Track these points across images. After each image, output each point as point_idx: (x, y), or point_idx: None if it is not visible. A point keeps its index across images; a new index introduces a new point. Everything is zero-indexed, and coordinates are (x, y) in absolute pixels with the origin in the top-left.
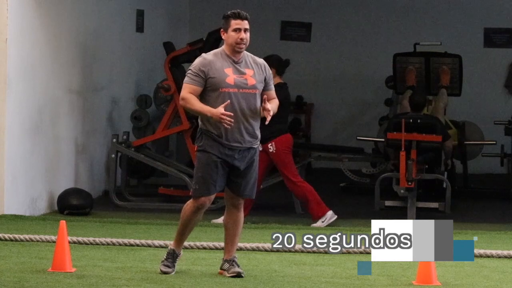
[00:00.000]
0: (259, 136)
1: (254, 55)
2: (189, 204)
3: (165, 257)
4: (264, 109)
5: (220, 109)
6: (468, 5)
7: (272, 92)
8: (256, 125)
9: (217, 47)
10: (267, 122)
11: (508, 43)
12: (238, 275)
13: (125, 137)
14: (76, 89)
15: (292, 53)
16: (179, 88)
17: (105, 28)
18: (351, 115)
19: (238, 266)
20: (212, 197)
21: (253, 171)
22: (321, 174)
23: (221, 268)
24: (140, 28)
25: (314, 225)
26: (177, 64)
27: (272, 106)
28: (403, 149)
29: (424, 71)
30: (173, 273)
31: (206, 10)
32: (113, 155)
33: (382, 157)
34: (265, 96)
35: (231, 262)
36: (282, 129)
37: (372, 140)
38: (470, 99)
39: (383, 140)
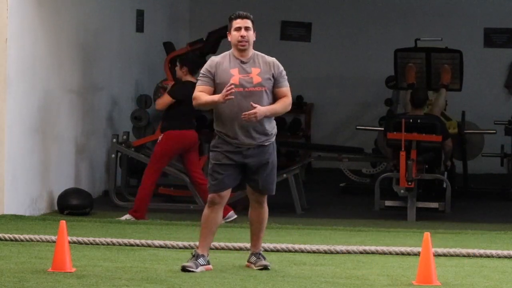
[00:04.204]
0: (272, 133)
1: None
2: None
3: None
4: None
5: (223, 92)
6: (468, 5)
7: (283, 90)
8: (267, 123)
9: (217, 47)
10: (253, 118)
11: (508, 43)
12: (265, 268)
13: (125, 137)
14: (76, 89)
15: (292, 53)
16: None
17: (105, 28)
18: (351, 115)
19: (265, 258)
20: (223, 194)
21: (269, 169)
22: (321, 174)
23: (248, 261)
24: (140, 28)
25: (121, 218)
26: None
27: (273, 107)
28: (403, 149)
29: (425, 66)
30: (196, 270)
31: (206, 10)
32: (113, 155)
33: (382, 157)
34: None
35: (258, 255)
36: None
37: (372, 130)
38: (470, 99)
39: (382, 129)
